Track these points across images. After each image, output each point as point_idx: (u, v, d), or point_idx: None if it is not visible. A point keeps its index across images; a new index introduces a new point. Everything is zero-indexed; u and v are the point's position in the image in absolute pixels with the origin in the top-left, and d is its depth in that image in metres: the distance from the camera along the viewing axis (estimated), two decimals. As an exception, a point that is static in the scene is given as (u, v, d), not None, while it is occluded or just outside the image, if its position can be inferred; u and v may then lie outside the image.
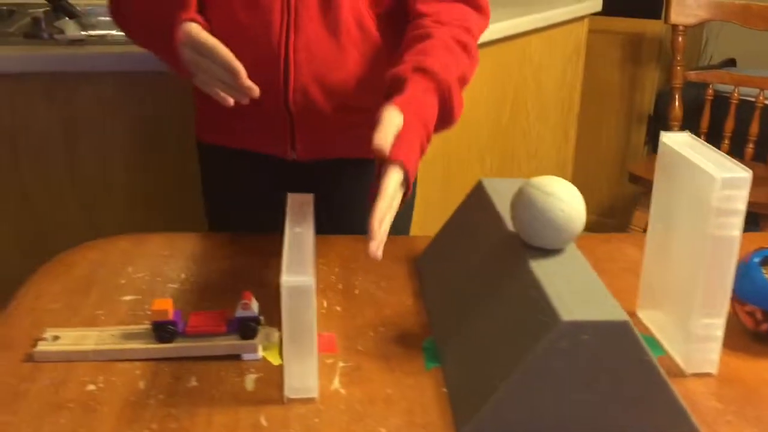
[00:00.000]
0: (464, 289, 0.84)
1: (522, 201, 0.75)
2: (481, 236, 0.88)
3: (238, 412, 0.71)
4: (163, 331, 0.78)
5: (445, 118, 0.95)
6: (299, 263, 0.71)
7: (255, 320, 0.79)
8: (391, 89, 0.92)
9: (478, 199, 0.94)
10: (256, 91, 0.86)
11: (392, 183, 0.81)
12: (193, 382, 0.75)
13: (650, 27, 2.95)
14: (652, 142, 3.14)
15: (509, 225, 0.82)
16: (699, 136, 2.69)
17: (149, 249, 1.03)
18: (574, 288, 0.69)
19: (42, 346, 0.78)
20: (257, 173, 1.14)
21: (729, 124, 2.50)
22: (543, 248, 0.76)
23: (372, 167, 1.09)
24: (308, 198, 0.87)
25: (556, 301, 0.66)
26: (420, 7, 1.01)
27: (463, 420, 0.68)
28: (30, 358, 0.78)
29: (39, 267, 1.44)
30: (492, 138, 1.88)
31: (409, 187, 0.84)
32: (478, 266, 0.84)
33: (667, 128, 2.64)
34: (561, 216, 0.73)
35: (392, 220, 0.80)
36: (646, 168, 2.50)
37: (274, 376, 0.77)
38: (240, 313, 0.79)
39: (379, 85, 0.95)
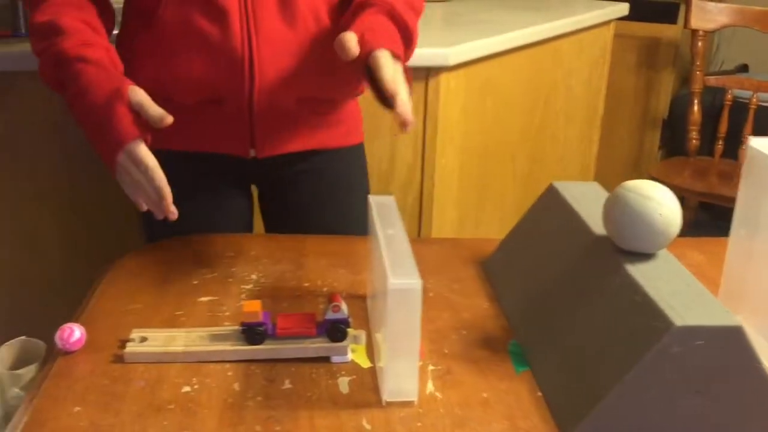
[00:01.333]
0: (548, 293, 0.84)
1: (618, 204, 0.75)
2: (561, 240, 0.88)
3: (339, 416, 0.70)
4: (253, 332, 0.78)
5: (406, 36, 0.99)
6: (403, 265, 0.70)
7: (345, 323, 0.78)
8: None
9: (552, 202, 0.94)
10: (175, 215, 0.87)
11: (385, 59, 0.89)
12: (288, 384, 0.75)
13: (666, 32, 2.97)
14: (666, 147, 3.16)
15: (594, 228, 0.83)
16: (717, 141, 2.67)
17: (214, 250, 1.03)
18: (677, 292, 0.69)
19: (131, 348, 0.78)
20: (213, 174, 1.12)
21: (748, 129, 2.52)
22: (636, 252, 0.76)
23: (330, 157, 1.12)
24: (390, 199, 0.87)
25: (665, 305, 0.66)
26: None
27: (569, 425, 0.68)
28: (120, 359, 0.77)
29: (85, 262, 1.43)
30: (523, 140, 1.88)
31: (404, 61, 0.93)
32: (562, 270, 0.84)
33: (686, 133, 2.65)
34: (660, 220, 0.73)
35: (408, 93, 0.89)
36: (666, 172, 2.51)
37: (366, 379, 0.76)
38: (330, 315, 0.78)
39: (338, 72, 1.02)
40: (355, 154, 1.17)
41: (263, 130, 1.05)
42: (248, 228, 1.20)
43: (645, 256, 0.76)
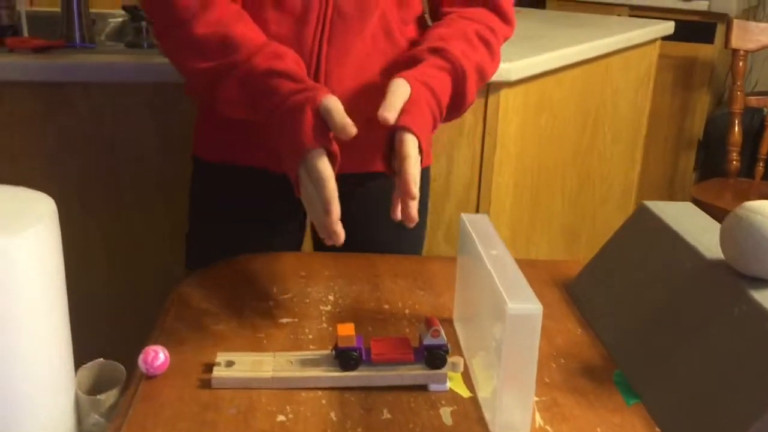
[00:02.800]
0: (653, 321, 0.79)
1: (742, 226, 0.71)
2: (663, 263, 0.83)
3: (448, 449, 0.66)
4: (348, 357, 0.73)
5: (457, 104, 0.94)
6: (518, 288, 0.66)
7: (444, 349, 0.74)
8: (404, 68, 0.90)
9: (646, 223, 0.90)
10: (341, 238, 0.78)
11: (413, 147, 0.81)
12: (386, 414, 0.70)
13: (703, 52, 2.93)
14: (701, 168, 3.11)
15: (704, 251, 0.78)
16: (757, 162, 2.62)
17: (283, 269, 0.98)
18: (815, 322, 0.64)
19: (218, 372, 0.73)
20: (270, 194, 1.06)
21: (790, 150, 2.47)
22: (759, 278, 0.71)
23: (390, 182, 1.08)
24: (484, 218, 0.83)
25: (806, 336, 0.62)
26: (445, 8, 1.01)
27: (700, 463, 0.63)
28: (207, 384, 0.73)
29: (128, 278, 1.39)
30: (573, 159, 1.84)
31: (422, 156, 0.84)
32: (668, 296, 0.79)
33: (725, 153, 2.61)
34: (789, 244, 0.69)
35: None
36: (706, 194, 2.46)
37: (468, 409, 0.72)
38: (429, 340, 0.74)
39: None
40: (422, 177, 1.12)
41: None
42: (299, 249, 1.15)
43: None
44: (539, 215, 1.73)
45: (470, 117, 1.42)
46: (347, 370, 0.73)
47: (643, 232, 0.90)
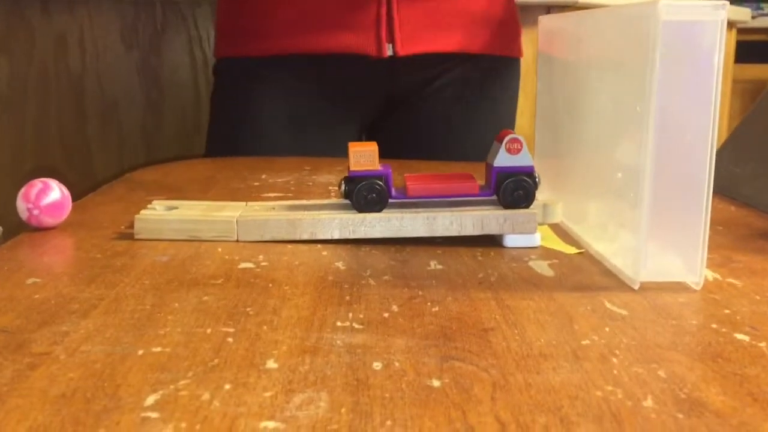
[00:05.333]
0: None
1: None
2: None
3: (553, 297, 0.35)
4: (367, 189, 0.43)
5: None
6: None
7: (531, 174, 0.44)
8: None
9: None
10: None
11: None
12: (435, 265, 0.39)
13: (773, 72, 2.65)
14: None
15: None
16: None
17: (281, 164, 0.70)
18: None
19: (148, 214, 0.44)
20: (332, 91, 0.82)
21: None
22: None
23: (480, 66, 0.84)
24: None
25: None
26: None
27: None
28: (128, 237, 0.43)
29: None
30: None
31: None
32: None
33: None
34: None
35: None
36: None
37: (579, 262, 0.41)
38: (504, 159, 0.43)
39: None
40: (510, 70, 0.89)
41: (407, 13, 0.79)
42: None
43: None
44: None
45: (527, 51, 1.15)
46: (368, 211, 0.43)
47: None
